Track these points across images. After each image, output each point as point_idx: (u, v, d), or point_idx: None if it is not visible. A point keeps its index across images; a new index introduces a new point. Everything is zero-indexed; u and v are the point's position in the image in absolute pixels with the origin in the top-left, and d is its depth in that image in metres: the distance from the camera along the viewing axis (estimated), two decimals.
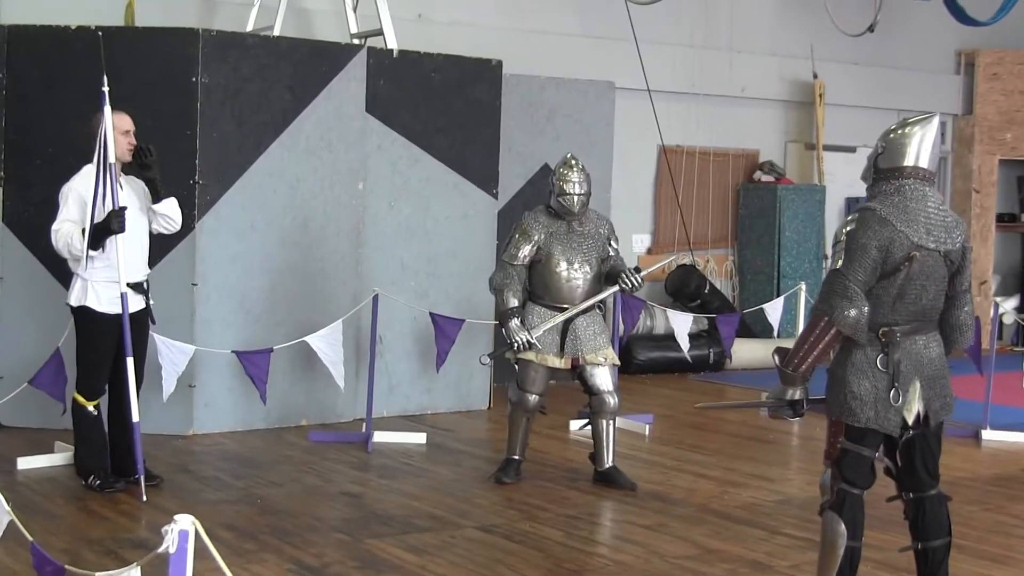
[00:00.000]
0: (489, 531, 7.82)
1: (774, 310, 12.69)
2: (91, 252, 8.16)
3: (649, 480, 9.24)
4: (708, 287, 15.13)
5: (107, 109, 8.14)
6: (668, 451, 10.42)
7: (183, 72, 10.19)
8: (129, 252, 8.29)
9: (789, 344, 5.94)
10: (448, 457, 9.95)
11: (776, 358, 5.90)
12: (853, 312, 5.64)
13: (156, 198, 8.48)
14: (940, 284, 5.84)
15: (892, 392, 5.72)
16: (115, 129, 8.20)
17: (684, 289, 14.97)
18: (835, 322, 5.67)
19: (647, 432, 11.01)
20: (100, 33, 8.80)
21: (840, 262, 5.72)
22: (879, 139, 5.93)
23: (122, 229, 8.12)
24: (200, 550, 3.76)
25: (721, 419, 11.66)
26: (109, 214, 8.09)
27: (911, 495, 5.99)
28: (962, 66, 18.23)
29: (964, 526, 7.97)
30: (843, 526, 5.79)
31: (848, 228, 5.77)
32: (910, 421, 5.78)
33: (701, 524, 8.12)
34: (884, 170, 5.85)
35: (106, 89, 8.14)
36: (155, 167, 8.41)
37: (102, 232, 8.12)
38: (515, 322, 8.82)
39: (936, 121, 5.92)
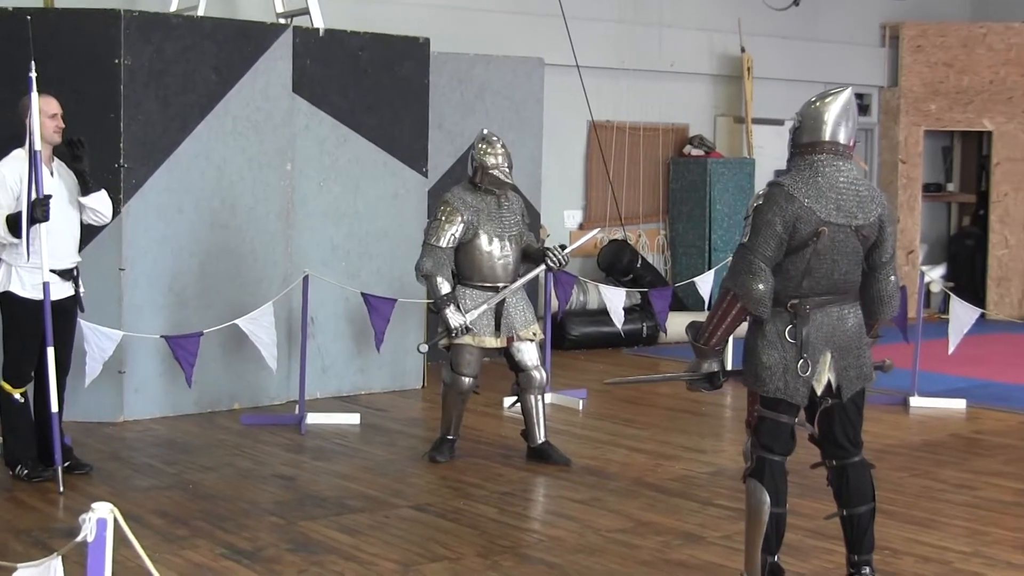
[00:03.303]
0: (423, 510, 7.83)
1: (705, 283, 12.75)
2: (13, 239, 8.08)
3: (583, 455, 9.27)
4: (640, 262, 15.19)
5: (34, 96, 8.06)
6: (602, 426, 10.46)
7: (106, 54, 10.09)
8: (57, 239, 8.21)
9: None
10: (382, 437, 9.94)
11: (689, 333, 5.96)
12: (760, 287, 5.69)
13: (85, 190, 8.41)
14: (853, 258, 5.87)
15: (800, 363, 5.77)
16: (42, 113, 8.12)
17: (616, 264, 15.02)
18: (740, 297, 5.72)
19: (581, 407, 11.05)
20: (29, 17, 8.69)
21: (747, 237, 5.76)
22: (796, 113, 5.97)
23: (46, 218, 8.04)
24: (126, 537, 3.74)
25: (654, 393, 11.71)
26: (33, 202, 8.01)
27: (834, 462, 6.05)
28: (887, 39, 18.38)
29: (893, 492, 8.07)
30: (766, 493, 5.83)
31: (756, 204, 5.81)
32: (819, 391, 5.85)
33: (635, 497, 8.17)
34: (801, 144, 5.89)
35: (34, 75, 8.05)
36: (86, 159, 8.35)
37: (19, 220, 8.04)
38: (452, 308, 8.77)
39: (850, 93, 5.94)
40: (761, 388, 5.83)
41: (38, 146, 8.02)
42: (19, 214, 8.02)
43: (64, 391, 8.45)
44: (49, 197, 8.06)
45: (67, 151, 8.32)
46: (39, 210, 8.00)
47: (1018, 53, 17.61)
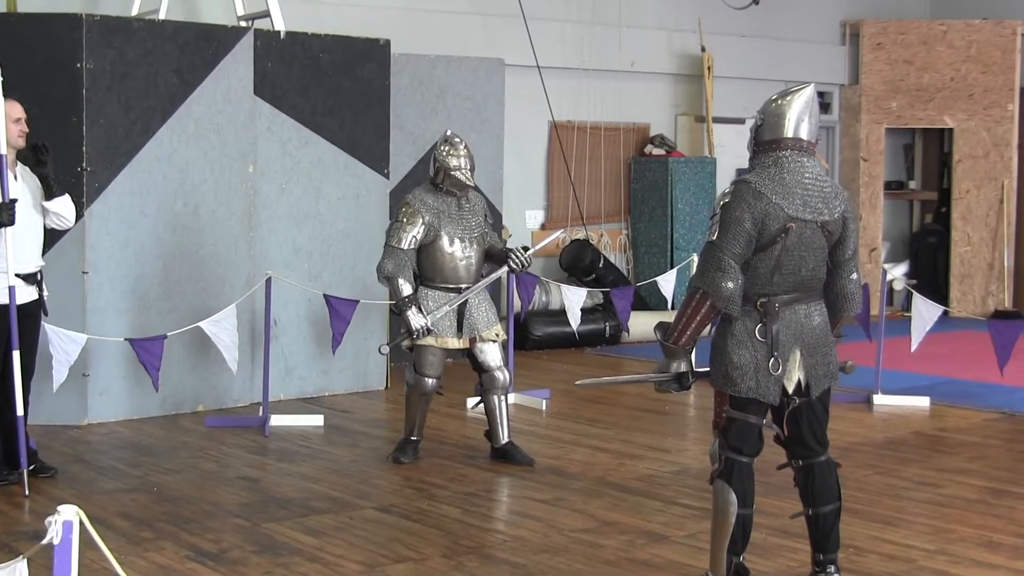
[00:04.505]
0: (387, 511, 7.84)
1: (667, 282, 12.78)
2: None
3: (546, 455, 9.29)
4: (603, 261, 15.22)
5: (0, 99, 8.05)
6: (565, 426, 10.47)
7: (68, 58, 10.07)
8: (21, 243, 8.19)
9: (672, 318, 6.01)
10: (346, 438, 9.94)
11: (658, 333, 5.96)
12: (730, 284, 5.69)
13: (49, 195, 8.38)
14: (819, 254, 5.90)
15: (771, 361, 5.79)
16: (6, 117, 8.11)
17: (579, 264, 15.04)
18: (709, 295, 5.73)
19: (544, 407, 11.06)
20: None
21: (715, 235, 5.77)
22: (758, 111, 5.98)
23: (11, 222, 8.02)
24: (92, 540, 3.75)
25: (618, 392, 11.72)
26: None
27: (800, 462, 6.07)
28: (847, 36, 18.47)
29: (857, 490, 8.12)
30: (733, 494, 5.84)
31: (723, 201, 5.80)
32: (790, 390, 5.86)
33: (598, 497, 8.19)
34: (764, 142, 5.89)
35: (0, 79, 8.05)
36: (50, 164, 8.33)
37: None
38: (413, 310, 8.77)
39: (812, 91, 5.96)
40: (732, 388, 5.84)
41: (3, 150, 8.00)
42: None
43: (29, 394, 8.42)
44: (15, 201, 8.05)
45: (31, 156, 8.30)
46: (5, 214, 7.98)
47: (978, 50, 17.71)
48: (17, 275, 8.17)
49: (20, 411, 8.20)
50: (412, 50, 13.13)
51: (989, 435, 10.27)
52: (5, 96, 8.13)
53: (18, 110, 8.30)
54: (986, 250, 17.77)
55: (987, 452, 9.66)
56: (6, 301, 8.13)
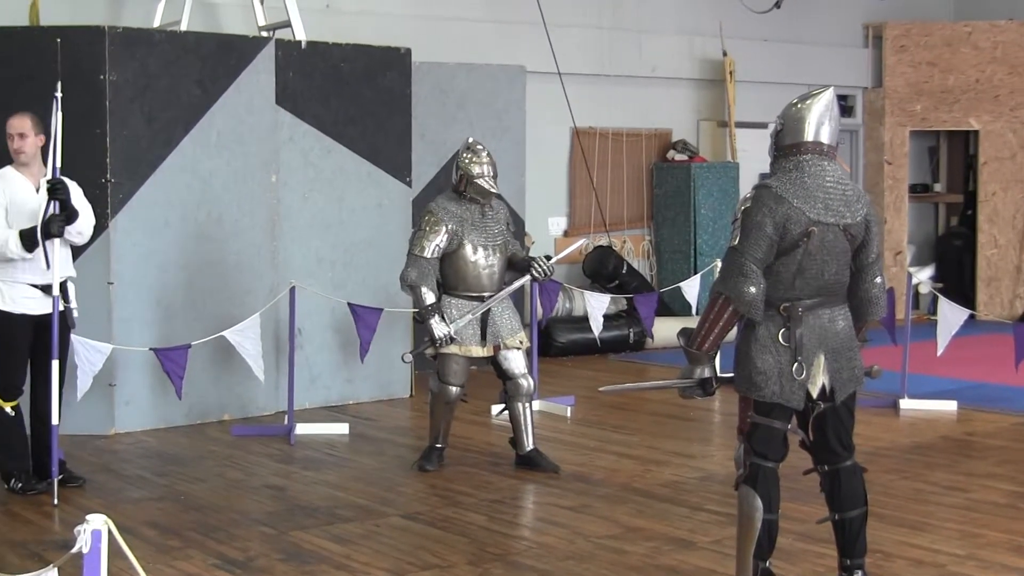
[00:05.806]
0: (413, 519, 7.85)
1: (691, 288, 12.78)
2: (26, 254, 8.10)
3: (571, 462, 9.28)
4: (626, 267, 15.21)
5: (59, 116, 8.08)
6: (590, 432, 10.47)
7: (91, 70, 10.10)
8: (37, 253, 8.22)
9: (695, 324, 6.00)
10: (371, 446, 9.95)
11: (681, 339, 5.95)
12: (752, 289, 5.68)
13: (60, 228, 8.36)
14: (842, 258, 5.88)
15: (795, 366, 5.78)
16: (13, 130, 8.23)
17: (602, 270, 15.04)
18: (732, 300, 5.72)
19: (569, 414, 11.06)
20: (59, 40, 8.72)
21: (737, 240, 5.76)
22: (778, 116, 5.97)
23: (60, 233, 8.09)
24: (120, 548, 3.76)
25: (643, 398, 11.71)
26: (49, 218, 8.03)
27: (826, 467, 6.05)
28: (870, 39, 18.43)
29: (883, 495, 8.09)
30: (759, 500, 5.83)
31: (744, 206, 5.80)
32: (815, 394, 5.84)
33: (624, 503, 8.18)
34: (784, 146, 5.89)
35: (59, 95, 8.11)
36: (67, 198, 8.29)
37: (33, 235, 8.07)
38: (436, 318, 8.77)
39: (831, 94, 5.94)
40: (756, 393, 5.82)
41: (59, 163, 8.05)
42: (34, 229, 8.05)
43: (61, 404, 8.44)
44: (64, 213, 8.08)
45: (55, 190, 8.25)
46: (55, 226, 8.03)
47: (1004, 51, 17.65)
48: (35, 286, 8.24)
49: (55, 420, 8.25)
50: (432, 58, 13.14)
51: (1017, 439, 10.23)
52: (21, 110, 8.23)
53: (18, 126, 8.37)
54: (1013, 253, 17.70)
55: (1015, 456, 9.61)
56: (29, 311, 8.20)
